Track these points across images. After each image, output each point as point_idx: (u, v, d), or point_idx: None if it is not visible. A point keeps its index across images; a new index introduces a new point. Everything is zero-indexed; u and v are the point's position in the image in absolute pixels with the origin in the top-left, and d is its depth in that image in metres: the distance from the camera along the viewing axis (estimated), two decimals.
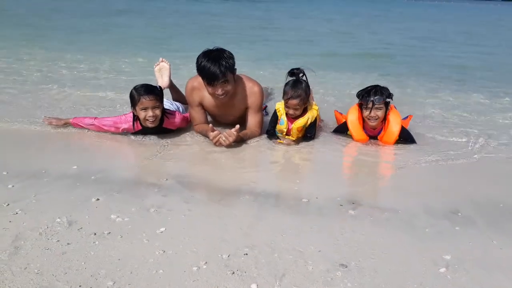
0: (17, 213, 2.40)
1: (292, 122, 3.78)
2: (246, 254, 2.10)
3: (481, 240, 2.33)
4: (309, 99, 3.77)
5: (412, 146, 3.79)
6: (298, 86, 3.66)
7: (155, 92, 3.58)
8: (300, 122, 3.75)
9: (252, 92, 3.82)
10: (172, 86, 4.70)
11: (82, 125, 3.84)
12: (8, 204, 2.49)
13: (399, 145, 3.80)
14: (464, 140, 4.01)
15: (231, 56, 3.53)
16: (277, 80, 5.46)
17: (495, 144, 3.93)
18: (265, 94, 5.26)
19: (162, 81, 4.57)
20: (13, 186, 2.74)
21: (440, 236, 2.35)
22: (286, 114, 3.78)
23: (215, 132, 3.54)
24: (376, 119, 3.70)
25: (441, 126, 4.42)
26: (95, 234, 2.22)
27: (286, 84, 3.74)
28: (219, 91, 3.51)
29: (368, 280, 1.94)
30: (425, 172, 3.34)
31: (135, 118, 3.68)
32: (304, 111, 3.77)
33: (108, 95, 5.19)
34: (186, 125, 3.97)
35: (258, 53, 8.93)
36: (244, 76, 3.90)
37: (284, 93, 3.70)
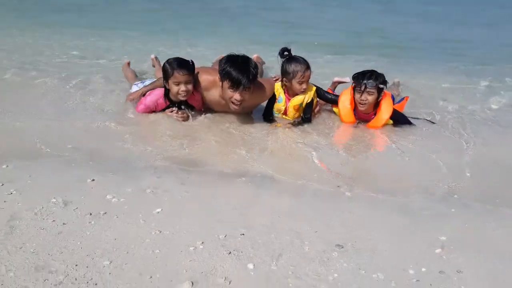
0: (12, 193, 2.37)
1: (289, 100, 3.78)
2: (243, 234, 2.10)
3: (476, 222, 2.35)
4: None
5: (409, 128, 3.79)
6: (299, 59, 3.72)
7: (188, 66, 3.59)
8: (297, 100, 3.76)
9: (262, 99, 3.87)
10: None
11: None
12: (3, 184, 2.46)
13: (396, 128, 3.79)
14: (461, 124, 4.01)
15: (256, 65, 3.52)
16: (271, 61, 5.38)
17: (493, 127, 3.93)
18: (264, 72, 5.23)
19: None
20: (7, 166, 2.71)
21: (436, 218, 2.37)
22: (286, 92, 3.79)
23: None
24: (366, 103, 3.70)
25: (441, 110, 4.40)
26: (90, 214, 2.21)
27: (288, 63, 3.71)
28: (239, 97, 3.46)
29: (364, 261, 1.95)
30: (422, 154, 3.34)
31: (167, 92, 3.70)
32: None
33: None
34: (202, 107, 3.92)
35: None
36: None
37: (296, 71, 3.67)
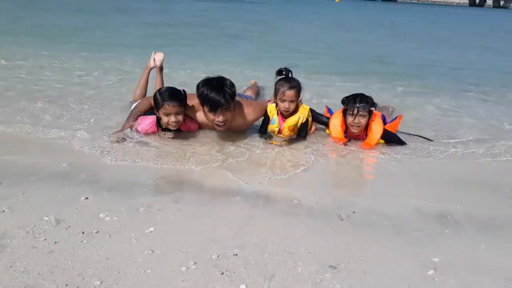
0: (4, 211, 2.36)
1: (283, 121, 3.82)
2: (236, 254, 2.09)
3: (469, 244, 2.35)
4: (300, 95, 3.81)
5: (402, 149, 3.81)
6: (291, 80, 3.78)
7: (179, 97, 3.57)
8: (292, 121, 3.80)
9: (251, 119, 3.89)
10: (161, 71, 4.74)
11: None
12: None
13: (389, 147, 3.81)
14: (455, 144, 4.04)
15: (232, 85, 3.57)
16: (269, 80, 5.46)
17: (486, 149, 3.96)
18: (260, 94, 5.29)
19: (154, 62, 4.67)
20: (0, 183, 2.70)
21: (429, 239, 2.37)
22: (279, 113, 3.83)
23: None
24: (359, 126, 3.77)
25: (432, 130, 4.44)
26: (83, 233, 2.20)
27: (278, 82, 3.80)
28: (220, 118, 3.53)
29: (357, 282, 1.94)
30: (415, 174, 3.36)
31: (158, 119, 3.69)
32: (295, 110, 3.81)
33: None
34: (197, 129, 3.92)
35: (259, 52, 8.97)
36: (242, 100, 3.93)
37: (278, 89, 3.76)
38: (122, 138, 3.61)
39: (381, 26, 16.21)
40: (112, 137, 3.61)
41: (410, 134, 4.12)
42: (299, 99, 3.82)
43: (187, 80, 5.45)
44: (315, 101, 5.29)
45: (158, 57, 4.71)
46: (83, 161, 3.18)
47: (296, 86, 3.74)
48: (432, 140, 4.05)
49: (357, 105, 3.70)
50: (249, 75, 6.47)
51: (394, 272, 2.03)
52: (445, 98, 5.94)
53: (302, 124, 3.85)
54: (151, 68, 4.73)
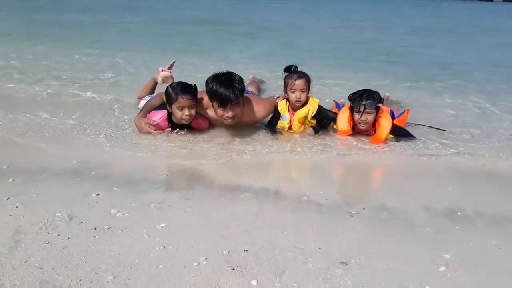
0: (17, 207, 2.40)
1: (293, 115, 3.83)
2: (247, 250, 2.10)
3: (481, 240, 2.33)
4: (310, 87, 3.82)
5: (411, 144, 3.79)
6: (299, 71, 3.81)
7: (191, 91, 3.59)
8: (301, 113, 3.81)
9: (260, 115, 3.90)
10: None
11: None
12: (9, 198, 2.49)
13: (398, 143, 3.79)
14: (465, 139, 4.01)
15: (241, 80, 3.57)
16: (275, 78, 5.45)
17: (497, 145, 3.93)
18: (261, 90, 5.29)
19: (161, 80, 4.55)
20: (13, 180, 2.74)
21: (440, 235, 2.36)
22: (290, 109, 3.85)
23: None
24: (366, 123, 3.75)
25: (443, 125, 4.41)
26: (95, 228, 2.22)
27: (286, 76, 3.82)
28: (230, 114, 3.53)
29: (368, 278, 1.94)
30: (426, 171, 3.34)
31: (169, 115, 3.71)
32: (306, 102, 3.81)
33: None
34: (207, 127, 3.93)
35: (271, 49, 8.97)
36: (252, 97, 3.94)
37: (287, 81, 3.78)
38: (150, 125, 3.68)
39: (391, 22, 16.08)
40: (142, 127, 3.68)
41: (420, 124, 4.08)
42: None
43: (196, 78, 5.45)
44: (324, 98, 5.27)
45: (166, 79, 4.53)
46: (94, 158, 3.21)
47: (305, 76, 3.77)
48: (444, 130, 4.01)
49: (364, 102, 3.67)
50: (255, 74, 6.47)
51: (405, 268, 2.03)
52: (455, 94, 5.88)
53: (313, 115, 3.86)
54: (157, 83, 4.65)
